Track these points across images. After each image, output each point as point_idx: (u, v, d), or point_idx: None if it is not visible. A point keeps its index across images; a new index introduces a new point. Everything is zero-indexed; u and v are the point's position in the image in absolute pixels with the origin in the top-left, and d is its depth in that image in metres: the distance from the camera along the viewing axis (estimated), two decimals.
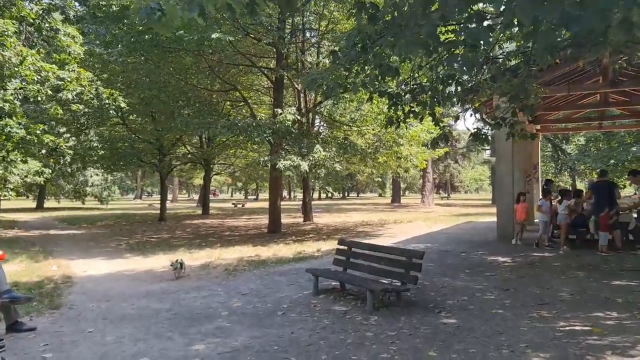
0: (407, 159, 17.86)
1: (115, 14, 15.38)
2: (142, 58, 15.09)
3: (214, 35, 11.92)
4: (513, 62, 9.47)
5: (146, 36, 14.23)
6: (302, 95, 18.77)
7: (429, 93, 8.41)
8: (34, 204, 43.89)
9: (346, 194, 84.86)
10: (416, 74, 9.17)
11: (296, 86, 18.29)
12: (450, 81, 8.14)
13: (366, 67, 7.69)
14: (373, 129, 19.20)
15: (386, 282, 6.60)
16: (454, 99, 8.84)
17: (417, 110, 8.87)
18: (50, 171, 30.02)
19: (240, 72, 18.53)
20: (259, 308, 6.45)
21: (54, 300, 7.00)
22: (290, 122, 13.98)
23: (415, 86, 8.70)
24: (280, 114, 13.90)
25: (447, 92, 8.37)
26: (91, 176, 39.49)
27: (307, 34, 18.10)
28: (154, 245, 14.32)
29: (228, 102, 19.10)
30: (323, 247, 12.91)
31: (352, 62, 7.30)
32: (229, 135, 14.18)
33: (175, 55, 15.66)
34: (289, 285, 7.94)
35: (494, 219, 21.24)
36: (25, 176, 28.76)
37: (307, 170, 13.84)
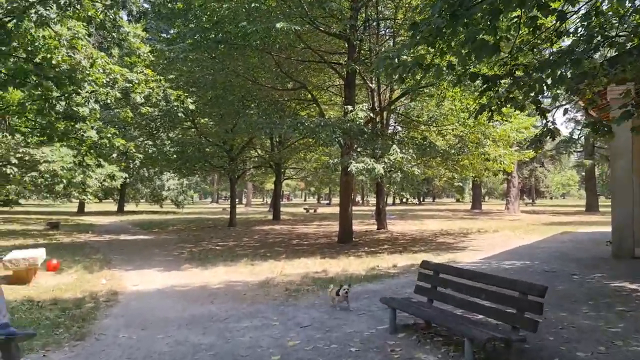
0: (496, 160, 15.77)
1: (180, 11, 14.69)
2: (207, 55, 14.24)
3: (278, 25, 10.74)
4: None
5: (212, 34, 13.39)
6: (375, 94, 17.27)
7: (535, 75, 6.63)
8: (115, 208, 45.47)
9: (421, 200, 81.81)
10: (518, 53, 7.45)
11: (369, 84, 16.81)
12: (566, 59, 6.37)
13: (453, 44, 6.13)
14: (454, 129, 17.30)
15: (491, 325, 4.92)
16: (565, 86, 6.99)
17: (517, 97, 7.16)
18: (125, 175, 30.51)
19: (310, 70, 17.33)
20: (320, 350, 5.03)
21: (83, 327, 5.98)
22: (362, 120, 12.52)
23: (514, 67, 6.98)
24: (351, 111, 12.46)
25: (560, 73, 6.54)
26: (167, 180, 40.12)
27: (382, 25, 16.57)
28: (216, 255, 13.36)
29: (295, 102, 17.97)
30: (399, 262, 11.30)
31: (437, 35, 5.75)
32: (296, 136, 12.95)
33: (241, 52, 14.71)
34: (359, 315, 6.47)
35: (597, 229, 18.58)
36: (104, 180, 29.41)
37: (382, 173, 12.31)
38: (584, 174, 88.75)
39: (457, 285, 5.42)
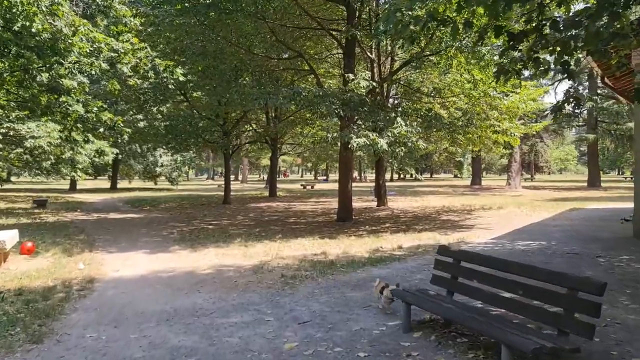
0: (507, 133, 14.85)
1: None
2: (196, 21, 13.14)
3: None
4: None
5: None
6: (375, 65, 16.18)
7: (567, 32, 5.70)
8: (109, 185, 44.49)
9: (419, 175, 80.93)
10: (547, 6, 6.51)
11: (369, 55, 15.71)
12: (603, 12, 5.45)
13: None
14: (457, 101, 16.34)
15: (530, 328, 4.05)
16: (594, 45, 6.06)
17: (542, 57, 6.25)
18: (116, 151, 29.49)
19: (307, 39, 16.20)
20: (322, 356, 4.21)
21: (44, 325, 5.13)
22: (364, 91, 11.56)
23: (542, 22, 6.04)
24: (353, 79, 11.48)
25: (597, 29, 5.60)
26: (160, 156, 39.05)
27: None
28: (208, 235, 12.52)
29: (292, 73, 16.83)
30: (404, 242, 10.48)
31: None
32: (293, 108, 12.00)
33: (232, 19, 13.59)
34: (365, 308, 5.65)
35: (604, 205, 17.82)
36: (93, 156, 28.38)
37: (386, 149, 11.40)
38: (582, 148, 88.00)
39: (483, 277, 4.57)
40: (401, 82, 15.78)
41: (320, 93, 11.43)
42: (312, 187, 42.30)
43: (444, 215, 16.94)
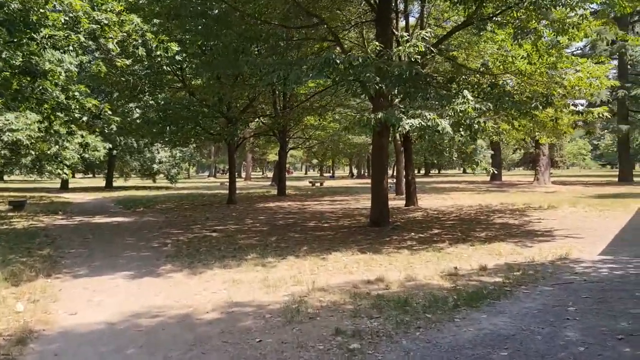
0: (585, 113, 11.95)
1: None
2: None
3: None
4: None
5: None
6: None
7: None
8: (104, 183, 41.60)
9: (429, 171, 77.87)
10: None
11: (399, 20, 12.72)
12: None
13: None
14: (507, 80, 13.43)
15: None
16: None
17: None
18: (109, 146, 26.54)
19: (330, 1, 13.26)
20: None
21: None
22: (419, 57, 8.68)
23: None
24: (406, 40, 8.58)
25: None
26: (158, 152, 36.09)
27: None
28: (211, 247, 9.64)
29: (310, 45, 13.85)
30: (482, 260, 7.58)
31: None
32: (321, 80, 9.11)
33: None
34: None
35: None
36: (83, 152, 25.46)
37: (450, 131, 8.49)
38: (595, 142, 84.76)
39: None
40: (445, 56, 12.85)
41: (361, 60, 8.51)
42: (322, 184, 39.36)
43: (495, 217, 14.04)
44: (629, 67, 38.24)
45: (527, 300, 5.30)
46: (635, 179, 37.61)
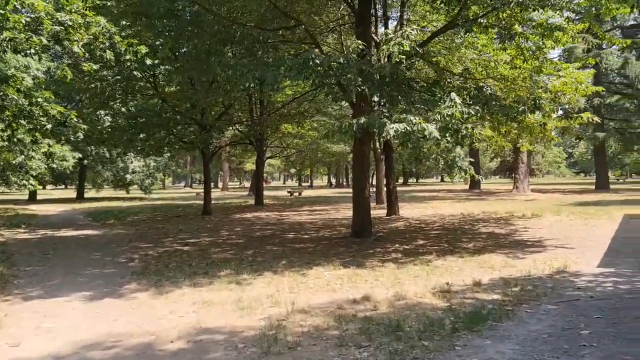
0: (575, 119, 11.62)
1: None
2: None
3: None
4: None
5: None
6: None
7: None
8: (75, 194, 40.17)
9: (407, 180, 77.77)
10: None
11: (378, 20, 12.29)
12: None
13: None
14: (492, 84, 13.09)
15: None
16: None
17: None
18: (78, 155, 25.41)
19: (308, 4, 12.73)
20: None
21: None
22: (403, 57, 8.19)
23: None
24: (389, 39, 8.08)
25: None
26: (131, 162, 34.94)
27: None
28: (182, 262, 8.94)
29: (288, 47, 13.26)
30: (474, 274, 7.06)
31: None
32: (299, 80, 8.54)
33: None
34: None
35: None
36: (50, 162, 24.31)
37: (437, 136, 7.98)
38: (570, 150, 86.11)
39: None
40: (429, 60, 12.41)
41: (342, 61, 7.97)
42: (300, 193, 38.72)
43: (480, 226, 13.61)
44: (603, 76, 38.71)
45: (532, 322, 4.75)
46: (611, 186, 37.99)
